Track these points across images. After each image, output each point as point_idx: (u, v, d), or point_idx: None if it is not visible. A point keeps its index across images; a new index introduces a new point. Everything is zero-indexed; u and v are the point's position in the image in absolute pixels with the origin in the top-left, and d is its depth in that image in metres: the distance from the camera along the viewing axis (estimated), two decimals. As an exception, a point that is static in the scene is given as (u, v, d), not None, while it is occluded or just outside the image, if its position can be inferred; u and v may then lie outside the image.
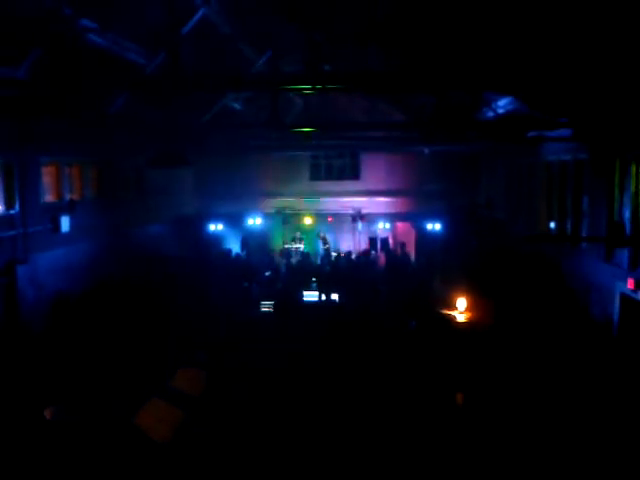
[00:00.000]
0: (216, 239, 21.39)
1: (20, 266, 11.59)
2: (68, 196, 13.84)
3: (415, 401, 9.78)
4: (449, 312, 14.42)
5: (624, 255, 11.07)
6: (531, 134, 14.57)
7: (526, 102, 13.45)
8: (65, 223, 12.82)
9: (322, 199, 23.25)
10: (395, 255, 21.14)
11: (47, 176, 13.26)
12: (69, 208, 13.31)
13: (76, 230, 13.31)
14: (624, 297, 11.15)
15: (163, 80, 12.59)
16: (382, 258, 21.71)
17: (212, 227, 20.89)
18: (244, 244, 22.38)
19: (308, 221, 23.09)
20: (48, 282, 12.45)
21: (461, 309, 14.51)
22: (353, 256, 21.40)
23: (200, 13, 11.89)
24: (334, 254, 21.91)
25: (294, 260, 21.24)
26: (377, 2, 12.36)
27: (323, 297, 16.66)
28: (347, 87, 14.35)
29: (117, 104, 13.37)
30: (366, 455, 8.62)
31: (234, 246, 22.21)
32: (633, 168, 10.79)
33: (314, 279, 18.30)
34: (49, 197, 13.27)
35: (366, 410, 9.64)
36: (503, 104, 14.98)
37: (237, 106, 18.56)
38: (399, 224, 22.70)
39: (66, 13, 9.41)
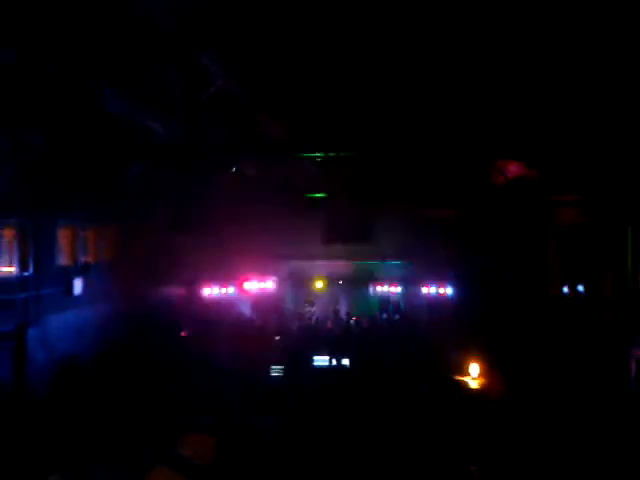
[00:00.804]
0: (228, 302, 21.35)
1: (31, 329, 11.61)
2: (82, 259, 13.96)
3: (427, 471, 9.50)
4: (461, 378, 14.18)
5: (639, 320, 10.96)
6: (542, 199, 14.70)
7: (536, 170, 13.63)
8: (78, 286, 12.90)
9: (334, 261, 23.25)
10: (407, 319, 20.94)
11: (62, 239, 13.42)
12: (83, 271, 13.41)
13: (89, 293, 13.38)
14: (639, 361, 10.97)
15: (180, 148, 12.95)
16: (393, 322, 21.47)
17: (223, 290, 20.89)
18: (254, 307, 22.29)
19: (320, 284, 23.03)
20: (58, 345, 12.42)
21: (474, 375, 14.27)
22: (364, 320, 21.20)
23: (217, 83, 12.27)
24: (345, 317, 21.78)
25: (305, 324, 21.08)
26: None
27: (334, 362, 16.45)
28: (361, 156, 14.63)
29: (135, 168, 13.67)
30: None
31: (245, 309, 22.13)
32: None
33: (324, 343, 18.12)
34: (63, 259, 13.39)
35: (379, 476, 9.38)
36: (513, 170, 15.15)
37: (251, 170, 18.88)
38: (410, 287, 22.56)
39: (85, 80, 9.73)
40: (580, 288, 14.54)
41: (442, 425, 10.91)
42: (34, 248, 12.00)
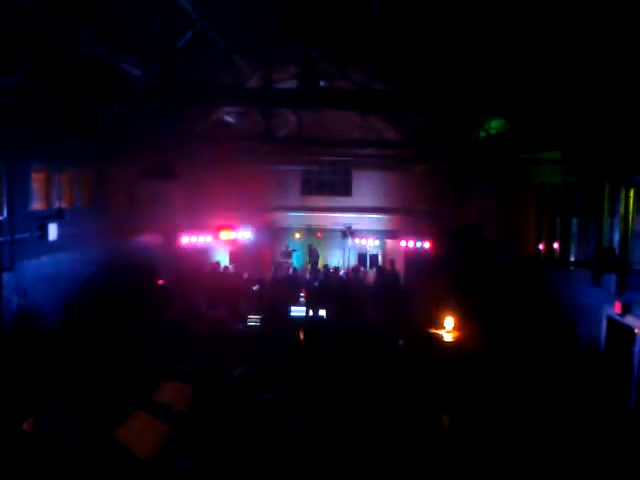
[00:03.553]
0: (205, 252, 21.28)
1: (5, 274, 11.46)
2: (57, 204, 13.73)
3: (401, 422, 9.71)
4: (437, 331, 14.42)
5: (612, 279, 11.11)
6: (522, 155, 14.69)
7: (517, 125, 13.57)
8: (53, 231, 12.70)
9: (313, 214, 23.24)
10: (385, 272, 21.12)
11: (36, 183, 13.16)
12: (57, 216, 13.20)
13: (65, 238, 13.20)
14: (611, 320, 11.19)
15: (157, 92, 12.62)
16: (371, 275, 21.68)
17: (202, 239, 20.75)
18: (233, 257, 22.29)
19: (298, 236, 23.05)
20: (33, 290, 12.31)
21: (449, 329, 14.50)
22: (342, 272, 21.37)
23: (196, 27, 11.93)
24: (322, 269, 21.92)
25: (283, 274, 21.16)
26: (373, 20, 12.45)
27: (310, 313, 16.60)
28: (340, 105, 14.45)
29: (111, 113, 13.34)
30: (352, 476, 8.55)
31: (223, 259, 22.11)
32: (622, 193, 10.87)
33: (302, 294, 18.25)
34: (38, 204, 13.16)
35: (352, 429, 9.57)
36: (495, 125, 15.09)
37: (231, 119, 18.59)
38: (389, 241, 22.71)
39: (63, 23, 9.39)
40: (556, 246, 14.71)
41: (416, 376, 11.12)
42: (7, 192, 11.75)
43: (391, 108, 15.22)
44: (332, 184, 23.83)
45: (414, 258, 20.72)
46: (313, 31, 14.25)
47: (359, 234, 22.34)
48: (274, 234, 23.12)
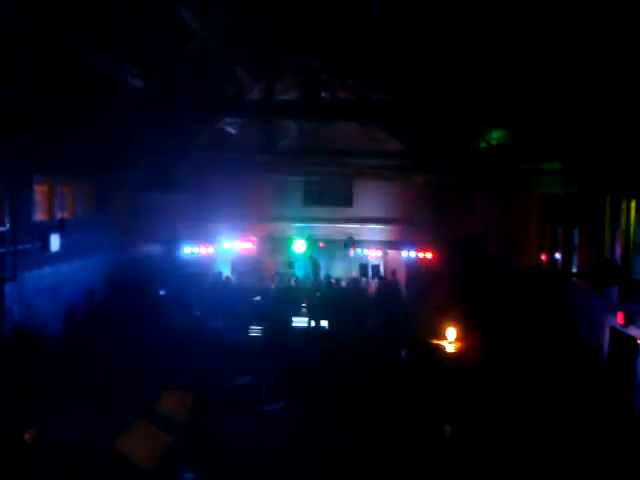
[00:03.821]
0: (207, 262, 21.29)
1: (8, 285, 11.47)
2: (59, 214, 13.77)
3: (403, 432, 9.68)
4: (439, 342, 14.39)
5: (614, 290, 11.11)
6: (523, 166, 14.72)
7: (518, 136, 13.60)
8: (55, 242, 12.72)
9: (314, 225, 23.23)
10: (387, 283, 21.09)
11: (39, 194, 13.22)
12: (59, 227, 13.23)
13: (66, 249, 13.22)
14: (614, 331, 11.18)
15: (158, 103, 12.69)
16: (373, 285, 21.64)
17: (202, 250, 20.79)
18: (234, 267, 22.29)
19: (300, 246, 22.97)
20: (35, 301, 12.33)
21: (451, 339, 14.47)
22: (343, 282, 21.34)
23: (197, 38, 11.99)
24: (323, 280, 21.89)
25: (284, 285, 21.14)
26: (374, 29, 12.51)
27: (312, 323, 16.58)
28: (342, 116, 14.52)
29: (113, 124, 13.39)
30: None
31: (224, 269, 22.11)
32: (624, 204, 10.88)
33: (304, 305, 18.22)
34: (40, 215, 13.21)
35: (354, 439, 9.54)
36: (496, 135, 15.12)
37: (233, 130, 18.65)
38: (390, 252, 22.69)
39: (61, 32, 9.42)
40: (558, 257, 14.72)
41: (419, 387, 11.09)
42: (10, 203, 11.79)
43: (392, 119, 15.28)
44: (333, 194, 23.83)
45: (416, 268, 20.70)
46: (314, 41, 14.33)
47: (361, 244, 22.31)
48: (276, 244, 23.09)
